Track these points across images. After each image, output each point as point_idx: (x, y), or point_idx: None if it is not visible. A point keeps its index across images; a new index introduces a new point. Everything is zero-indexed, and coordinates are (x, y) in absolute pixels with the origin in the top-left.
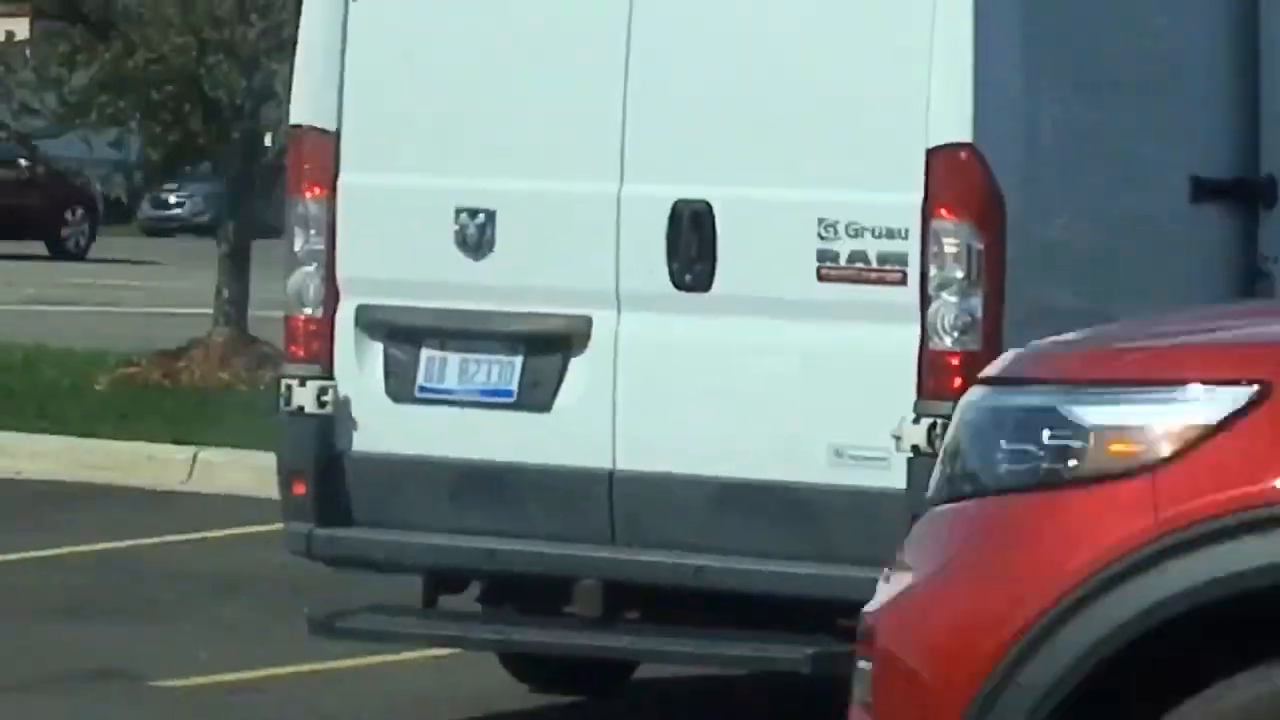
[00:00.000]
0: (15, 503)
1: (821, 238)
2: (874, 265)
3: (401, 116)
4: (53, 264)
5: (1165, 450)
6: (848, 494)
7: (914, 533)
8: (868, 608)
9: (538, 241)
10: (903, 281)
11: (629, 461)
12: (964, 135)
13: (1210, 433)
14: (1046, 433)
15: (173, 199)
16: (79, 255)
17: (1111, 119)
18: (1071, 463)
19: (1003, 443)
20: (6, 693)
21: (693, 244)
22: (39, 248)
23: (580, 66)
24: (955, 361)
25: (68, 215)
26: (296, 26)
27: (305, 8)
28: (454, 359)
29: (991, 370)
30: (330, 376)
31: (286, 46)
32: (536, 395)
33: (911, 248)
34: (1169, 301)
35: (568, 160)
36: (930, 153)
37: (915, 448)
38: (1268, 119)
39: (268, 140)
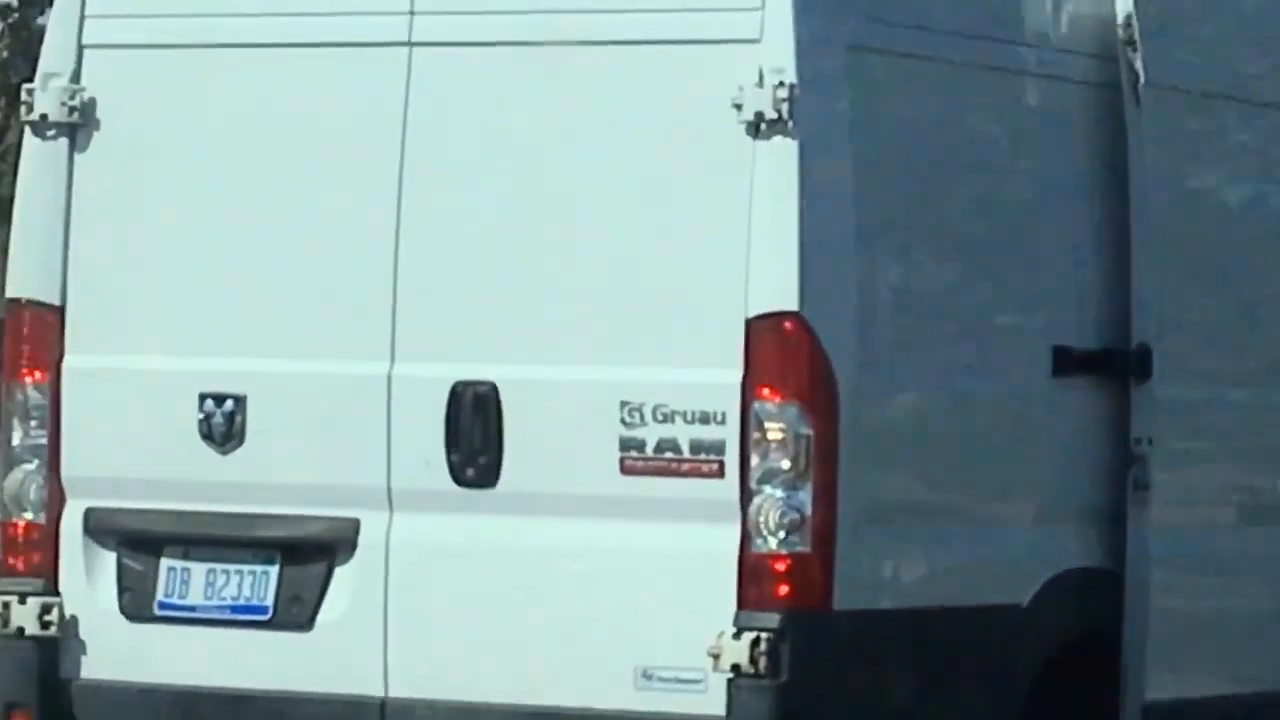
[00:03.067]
0: None
1: (625, 423)
2: (686, 455)
3: (136, 290)
4: None
5: None
6: None
7: None
8: None
9: (295, 432)
10: (720, 474)
11: (404, 688)
12: (789, 304)
13: None
14: None
15: None
16: None
17: (961, 283)
18: None
19: None
20: None
21: (476, 433)
22: None
23: (343, 225)
24: (782, 567)
25: None
26: (13, 184)
27: (23, 164)
28: (199, 570)
29: None
30: (56, 592)
31: (2, 205)
32: (296, 612)
33: (730, 434)
34: (1030, 490)
35: (329, 337)
36: (750, 324)
37: (736, 667)
38: (1139, 282)
39: None
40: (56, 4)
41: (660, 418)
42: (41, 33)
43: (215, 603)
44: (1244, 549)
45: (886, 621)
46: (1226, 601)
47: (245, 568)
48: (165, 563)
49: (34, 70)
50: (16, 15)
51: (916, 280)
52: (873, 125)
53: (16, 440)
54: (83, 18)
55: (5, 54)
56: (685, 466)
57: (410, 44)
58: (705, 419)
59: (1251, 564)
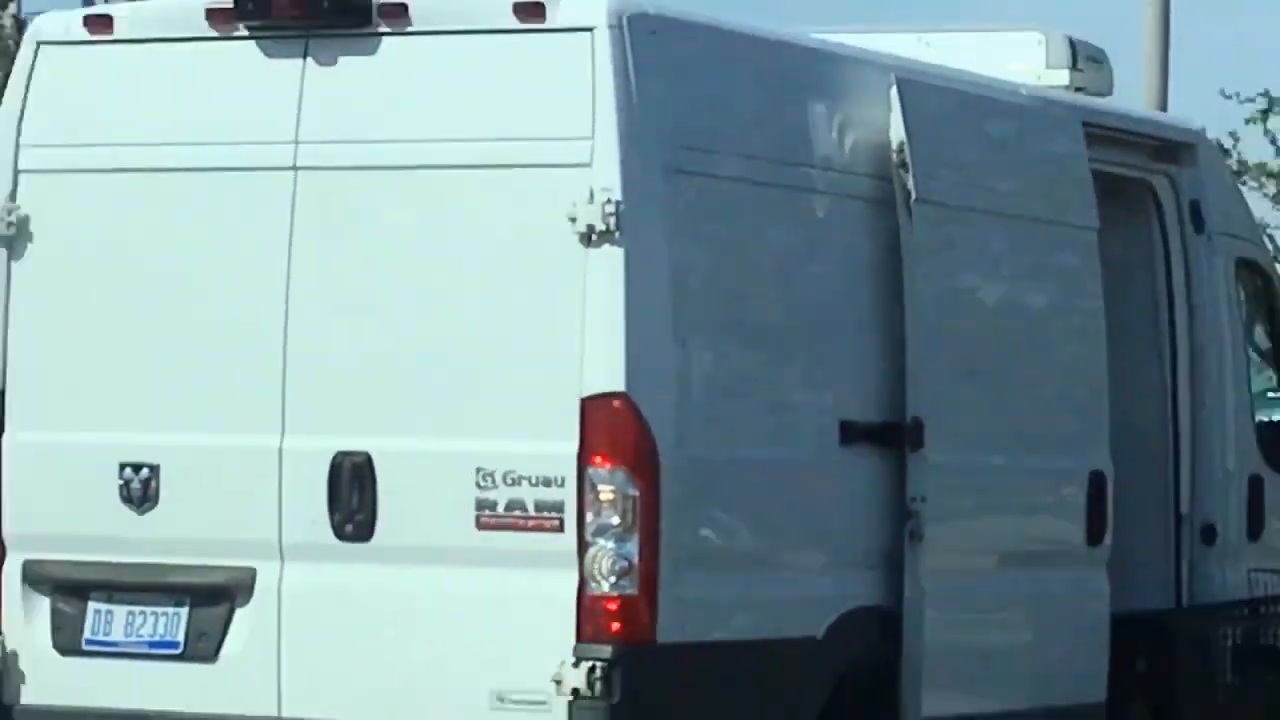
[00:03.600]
0: None
1: (480, 486)
2: (532, 513)
3: (65, 375)
4: None
5: None
6: None
7: None
8: None
9: (201, 494)
10: (560, 529)
11: (294, 709)
12: (616, 385)
13: None
14: None
15: None
16: None
17: (762, 367)
18: None
19: None
20: None
21: (354, 495)
22: None
23: (240, 319)
24: (613, 606)
25: None
26: None
27: None
28: (121, 611)
29: None
30: None
31: None
32: (202, 646)
33: (568, 495)
34: (823, 541)
35: (230, 413)
36: (585, 403)
37: (575, 690)
38: (913, 366)
39: None
40: None
41: (510, 482)
42: None
43: (134, 639)
44: (1002, 589)
45: (702, 652)
46: (988, 633)
47: (160, 609)
48: (92, 605)
49: None
50: None
51: (724, 364)
52: (687, 235)
53: None
54: (18, 147)
55: None
56: (531, 523)
57: (295, 168)
58: (548, 483)
59: (1009, 601)
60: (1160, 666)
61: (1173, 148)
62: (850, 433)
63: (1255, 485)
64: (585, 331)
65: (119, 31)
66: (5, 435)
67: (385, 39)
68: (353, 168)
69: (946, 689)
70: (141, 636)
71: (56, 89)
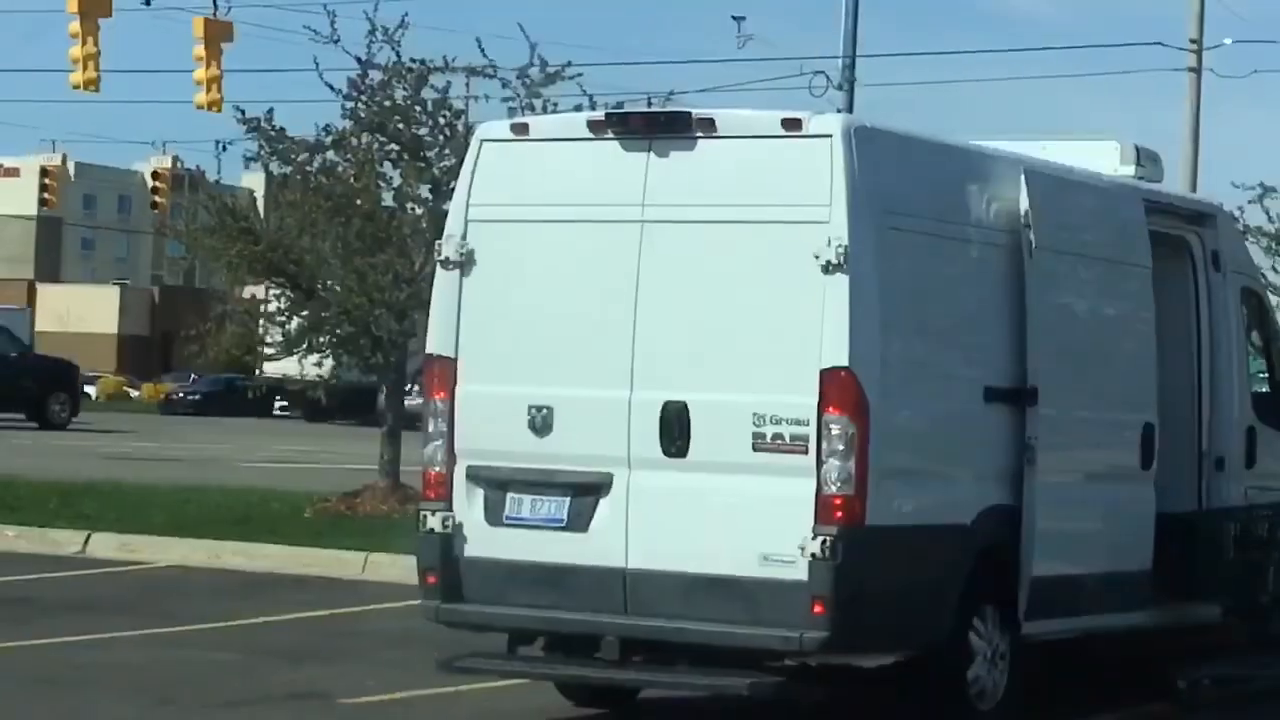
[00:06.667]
0: (254, 587)
1: (755, 424)
2: (788, 441)
3: (495, 349)
4: (272, 435)
5: None
6: (771, 583)
7: None
8: None
9: (580, 427)
10: (805, 452)
11: (636, 562)
12: (843, 361)
13: None
14: None
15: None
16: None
17: (935, 352)
18: None
19: None
20: (240, 706)
21: (676, 429)
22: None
23: (606, 314)
24: (839, 502)
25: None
26: (430, 292)
27: (435, 281)
28: (527, 499)
29: None
30: (450, 509)
31: (424, 304)
32: (578, 522)
33: (811, 431)
34: (972, 462)
35: (598, 375)
36: (823, 372)
37: (813, 555)
38: (1031, 351)
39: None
40: (454, 199)
41: (774, 421)
42: (445, 214)
43: (536, 517)
44: (1085, 496)
45: (895, 532)
46: (1077, 523)
47: (552, 498)
48: (510, 495)
49: (441, 234)
50: (432, 203)
51: (910, 350)
52: (889, 267)
53: (431, 429)
54: (468, 205)
55: (425, 225)
56: (787, 447)
57: (642, 221)
58: (798, 423)
59: (1089, 504)
60: (1187, 547)
61: (1201, 215)
62: (990, 394)
63: (1250, 433)
64: (823, 328)
65: (533, 134)
66: (458, 387)
67: (700, 140)
68: (677, 221)
69: (1048, 559)
70: (540, 515)
71: (491, 168)
